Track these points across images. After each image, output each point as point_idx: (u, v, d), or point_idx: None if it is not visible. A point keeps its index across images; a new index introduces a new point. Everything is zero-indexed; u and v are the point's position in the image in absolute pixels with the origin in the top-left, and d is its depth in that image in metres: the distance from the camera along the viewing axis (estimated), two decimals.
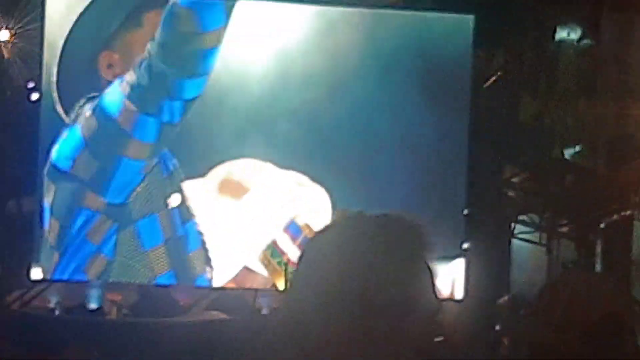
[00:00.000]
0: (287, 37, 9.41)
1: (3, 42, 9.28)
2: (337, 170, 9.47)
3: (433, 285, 1.44)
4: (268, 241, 9.25)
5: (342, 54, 9.52)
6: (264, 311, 9.15)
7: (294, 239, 9.25)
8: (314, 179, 9.44)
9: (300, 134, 9.46)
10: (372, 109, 9.59)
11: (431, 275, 1.44)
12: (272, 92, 9.34)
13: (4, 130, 9.61)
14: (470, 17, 9.45)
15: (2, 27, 9.32)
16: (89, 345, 8.09)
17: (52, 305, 9.23)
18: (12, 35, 9.28)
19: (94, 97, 8.79)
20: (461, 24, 9.57)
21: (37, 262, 8.95)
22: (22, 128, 9.43)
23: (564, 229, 10.77)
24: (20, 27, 9.31)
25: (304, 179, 9.47)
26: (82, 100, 8.75)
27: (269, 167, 9.42)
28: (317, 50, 9.49)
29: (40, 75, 9.09)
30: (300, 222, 9.26)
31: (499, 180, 10.61)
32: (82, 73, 9.13)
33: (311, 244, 1.59)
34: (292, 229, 9.28)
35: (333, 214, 9.11)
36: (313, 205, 9.27)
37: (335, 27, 9.53)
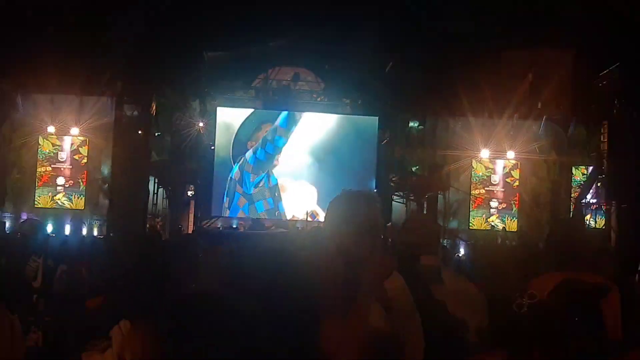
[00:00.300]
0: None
1: (200, 127, 23.03)
2: (319, 181, 22.95)
3: (381, 215, 3.00)
4: (301, 217, 22.78)
5: (317, 135, 22.87)
6: (300, 228, 22.48)
7: (312, 219, 22.65)
8: (310, 183, 23.28)
9: (303, 169, 22.96)
10: (333, 157, 22.87)
11: (382, 210, 2.99)
12: (294, 158, 22.92)
13: (201, 164, 23.32)
14: (376, 118, 23.15)
15: (200, 121, 22.99)
16: (232, 242, 16.01)
17: (219, 226, 23.19)
18: (204, 124, 23.05)
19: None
20: (372, 121, 23.26)
21: (220, 216, 22.87)
22: (205, 163, 23.16)
23: (412, 198, 23.60)
24: (206, 120, 23.03)
25: (306, 183, 23.41)
26: (240, 157, 22.61)
27: (290, 180, 23.33)
28: (301, 135, 22.92)
29: (214, 139, 22.91)
30: (315, 213, 22.79)
31: (388, 179, 23.55)
32: (241, 148, 22.85)
33: (333, 202, 3.02)
34: (312, 215, 22.87)
35: (318, 197, 22.48)
36: (313, 196, 22.80)
37: (311, 122, 22.96)
